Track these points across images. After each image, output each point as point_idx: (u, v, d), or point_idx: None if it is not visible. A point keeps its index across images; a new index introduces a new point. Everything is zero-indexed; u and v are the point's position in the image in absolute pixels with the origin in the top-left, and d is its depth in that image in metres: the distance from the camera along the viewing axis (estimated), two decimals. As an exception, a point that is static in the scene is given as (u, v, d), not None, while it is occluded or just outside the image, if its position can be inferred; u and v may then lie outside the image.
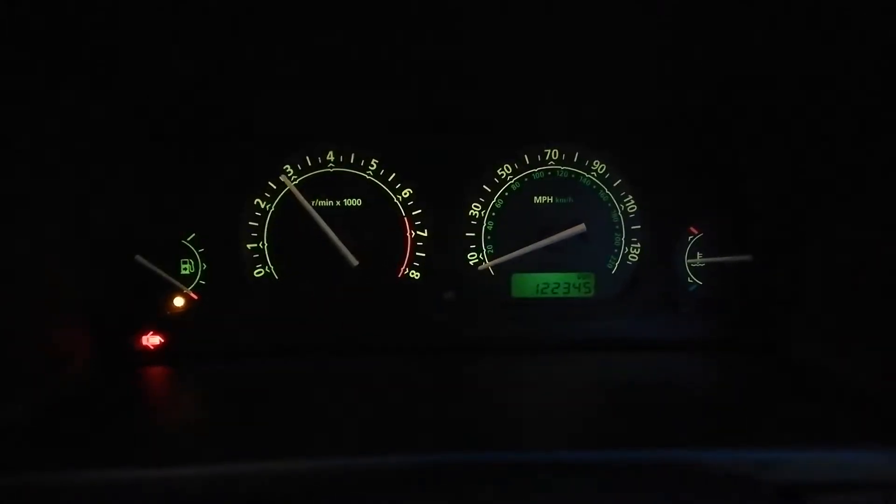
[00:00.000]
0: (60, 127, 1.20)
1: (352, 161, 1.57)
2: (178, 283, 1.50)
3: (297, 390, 1.25)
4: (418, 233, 1.59)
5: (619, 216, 1.61)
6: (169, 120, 1.45)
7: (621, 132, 1.58)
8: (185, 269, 1.53)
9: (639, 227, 1.61)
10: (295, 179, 1.56)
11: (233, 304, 1.53)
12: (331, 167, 1.57)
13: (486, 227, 1.61)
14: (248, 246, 1.56)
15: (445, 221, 1.59)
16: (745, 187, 1.56)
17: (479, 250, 1.61)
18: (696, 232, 1.59)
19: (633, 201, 1.61)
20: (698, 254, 1.60)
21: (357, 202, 1.58)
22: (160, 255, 1.49)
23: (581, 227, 1.57)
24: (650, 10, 0.99)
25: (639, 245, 1.62)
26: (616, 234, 1.62)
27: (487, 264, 1.60)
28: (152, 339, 1.46)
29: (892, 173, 1.14)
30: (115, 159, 1.40)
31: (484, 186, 1.60)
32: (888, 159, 1.15)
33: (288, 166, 1.56)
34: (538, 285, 1.62)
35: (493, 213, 1.61)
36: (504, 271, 1.61)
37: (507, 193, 1.61)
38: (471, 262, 1.61)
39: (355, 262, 1.54)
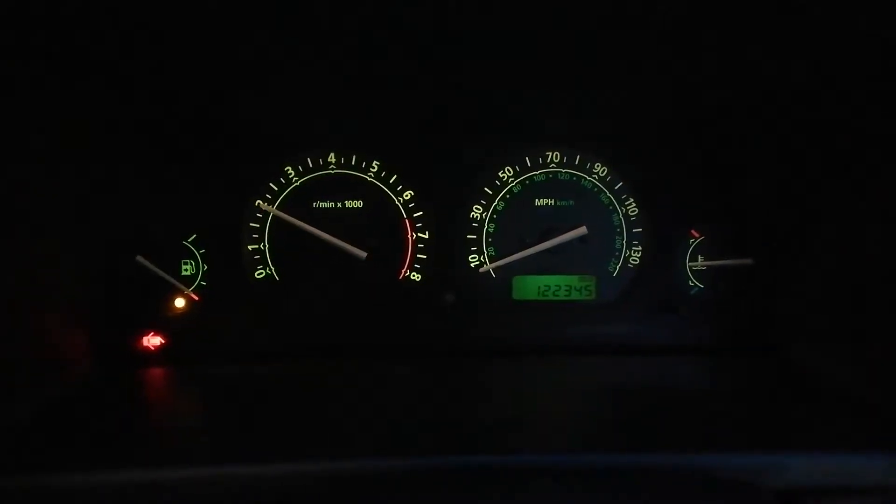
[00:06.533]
0: (62, 127, 1.20)
1: (353, 163, 1.58)
2: (178, 285, 1.50)
3: (297, 392, 1.25)
4: (419, 235, 1.59)
5: (620, 219, 1.61)
6: (170, 121, 1.45)
7: (623, 135, 1.58)
8: (186, 270, 1.53)
9: (640, 230, 1.61)
10: (296, 181, 1.56)
11: (233, 305, 1.53)
12: (332, 169, 1.58)
13: (487, 229, 1.61)
14: (249, 247, 1.56)
15: (447, 223, 1.59)
16: (747, 191, 1.55)
17: (480, 252, 1.61)
18: (697, 235, 1.59)
19: (634, 204, 1.61)
20: (699, 257, 1.59)
21: (358, 204, 1.58)
22: (161, 256, 1.49)
23: (582, 230, 1.57)
24: (653, 15, 0.99)
25: (640, 248, 1.62)
26: (617, 236, 1.62)
27: (488, 266, 1.60)
28: (153, 340, 1.46)
29: (892, 177, 1.14)
30: (116, 159, 1.40)
31: (485, 189, 1.60)
32: (888, 163, 1.14)
33: (289, 168, 1.56)
34: (539, 288, 1.62)
35: (495, 216, 1.61)
36: (505, 274, 1.61)
37: (508, 196, 1.61)
38: (472, 265, 1.61)
39: (363, 255, 1.54)
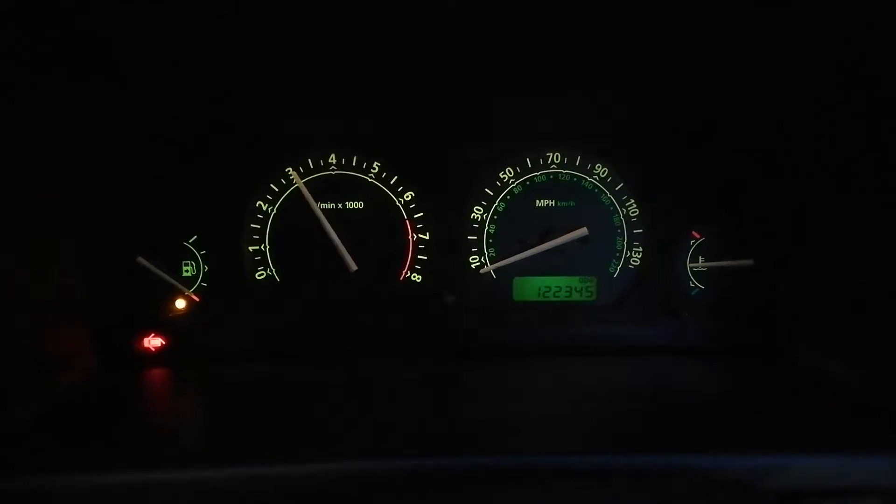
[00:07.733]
0: (63, 128, 1.20)
1: (354, 164, 1.58)
2: (179, 286, 1.51)
3: (298, 393, 1.25)
4: (420, 236, 1.59)
5: (620, 220, 1.61)
6: (171, 122, 1.45)
7: (623, 136, 1.58)
8: (187, 271, 1.53)
9: (641, 230, 1.61)
10: (297, 182, 1.56)
11: (234, 306, 1.53)
12: (333, 170, 1.58)
13: (487, 230, 1.61)
14: (250, 248, 1.56)
15: (447, 224, 1.59)
16: (747, 191, 1.55)
17: (480, 253, 1.61)
18: (697, 236, 1.59)
19: (634, 205, 1.61)
20: (700, 258, 1.59)
21: (359, 205, 1.58)
22: (162, 257, 1.49)
23: (583, 231, 1.57)
24: (653, 16, 0.99)
25: (641, 249, 1.62)
26: (618, 237, 1.62)
27: (489, 267, 1.60)
28: (154, 342, 1.46)
29: (892, 177, 1.14)
30: (117, 160, 1.40)
31: (486, 190, 1.60)
32: (888, 164, 1.14)
33: (290, 169, 1.56)
34: (540, 289, 1.62)
35: (495, 217, 1.61)
36: (506, 275, 1.61)
37: (508, 197, 1.61)
38: (472, 266, 1.61)
39: (354, 267, 1.54)
